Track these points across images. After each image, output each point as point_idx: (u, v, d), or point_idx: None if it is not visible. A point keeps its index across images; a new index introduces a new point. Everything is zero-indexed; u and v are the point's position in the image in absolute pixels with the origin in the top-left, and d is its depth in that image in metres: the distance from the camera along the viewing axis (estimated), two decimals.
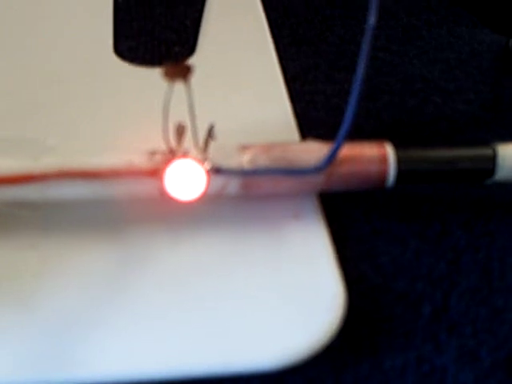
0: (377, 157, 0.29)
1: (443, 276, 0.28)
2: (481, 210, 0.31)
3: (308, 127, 0.33)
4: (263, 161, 0.28)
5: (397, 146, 0.29)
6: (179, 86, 0.26)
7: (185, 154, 0.27)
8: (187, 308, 0.25)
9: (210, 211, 0.28)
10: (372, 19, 0.25)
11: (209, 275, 0.26)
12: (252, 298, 0.26)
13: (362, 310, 0.27)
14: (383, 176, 0.28)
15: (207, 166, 0.27)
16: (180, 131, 0.26)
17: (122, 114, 0.33)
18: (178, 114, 0.26)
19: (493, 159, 0.29)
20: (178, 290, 0.26)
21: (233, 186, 0.28)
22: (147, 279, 0.26)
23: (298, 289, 0.26)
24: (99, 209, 0.28)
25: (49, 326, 0.24)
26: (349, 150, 0.28)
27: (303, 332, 0.25)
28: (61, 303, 0.25)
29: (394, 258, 0.29)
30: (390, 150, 0.29)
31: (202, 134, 0.27)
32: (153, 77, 0.26)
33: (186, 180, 0.26)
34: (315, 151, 0.28)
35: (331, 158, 0.27)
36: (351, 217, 0.30)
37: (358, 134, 0.28)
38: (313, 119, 0.35)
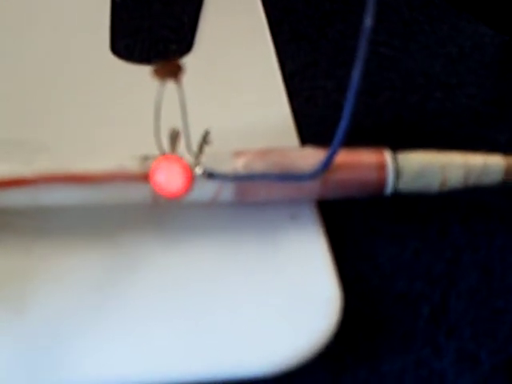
0: (375, 163, 0.28)
1: (442, 276, 0.28)
2: (480, 209, 0.31)
3: (308, 124, 0.33)
4: (258, 166, 0.27)
5: (395, 152, 0.28)
6: (174, 87, 0.25)
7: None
8: (181, 314, 0.25)
9: (204, 216, 0.28)
10: (368, 20, 0.24)
11: (203, 280, 0.26)
12: (247, 302, 0.25)
13: (359, 312, 0.26)
14: (382, 183, 0.28)
15: (199, 170, 0.26)
16: (174, 136, 0.26)
17: (117, 117, 0.32)
18: (175, 116, 0.25)
19: None
20: (172, 295, 0.26)
21: (227, 192, 0.27)
22: (140, 285, 0.26)
23: (294, 293, 0.26)
24: (91, 214, 0.27)
25: (40, 331, 0.24)
26: (346, 157, 0.28)
27: (299, 336, 0.24)
28: (52, 309, 0.25)
29: (393, 258, 0.28)
30: (388, 157, 0.28)
31: (197, 136, 0.26)
32: (150, 78, 0.25)
33: (172, 174, 0.26)
34: (311, 157, 0.27)
35: (327, 165, 0.26)
36: (349, 216, 0.30)
37: (358, 131, 0.27)
38: (313, 115, 0.34)
